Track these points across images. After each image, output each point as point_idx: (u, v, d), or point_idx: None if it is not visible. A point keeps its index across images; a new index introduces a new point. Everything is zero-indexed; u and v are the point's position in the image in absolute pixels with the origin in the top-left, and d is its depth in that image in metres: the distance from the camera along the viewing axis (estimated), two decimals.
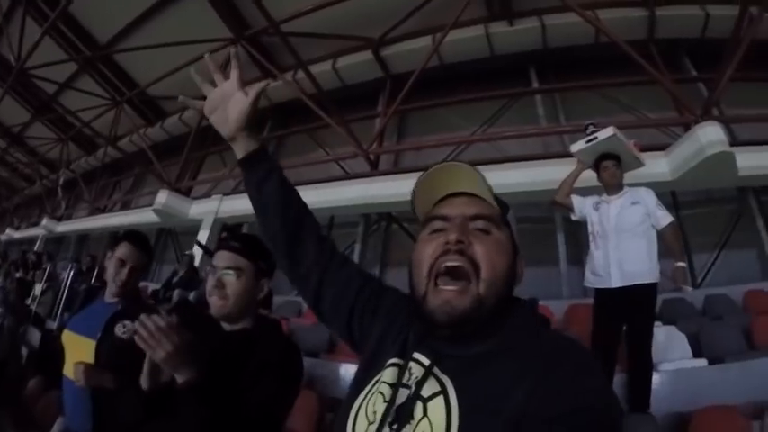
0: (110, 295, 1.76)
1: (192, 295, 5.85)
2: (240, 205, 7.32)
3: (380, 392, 0.67)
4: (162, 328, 0.98)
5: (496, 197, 0.73)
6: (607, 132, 3.02)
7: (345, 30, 7.19)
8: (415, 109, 7.20)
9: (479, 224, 0.69)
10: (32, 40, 8.03)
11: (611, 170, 2.99)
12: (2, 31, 8.92)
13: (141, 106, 10.53)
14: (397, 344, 0.74)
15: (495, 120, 7.01)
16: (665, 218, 2.81)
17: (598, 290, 2.89)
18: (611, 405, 0.57)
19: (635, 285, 2.70)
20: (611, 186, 2.98)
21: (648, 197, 2.87)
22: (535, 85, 6.88)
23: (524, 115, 6.68)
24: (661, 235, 2.83)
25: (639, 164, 3.17)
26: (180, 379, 1.01)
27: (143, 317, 0.99)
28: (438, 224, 0.71)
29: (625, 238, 2.82)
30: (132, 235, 1.82)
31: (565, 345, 0.64)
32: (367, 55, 7.53)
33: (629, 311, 2.74)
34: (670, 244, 2.81)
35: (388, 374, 0.69)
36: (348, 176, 6.86)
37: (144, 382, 1.07)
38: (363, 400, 0.70)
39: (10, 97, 10.56)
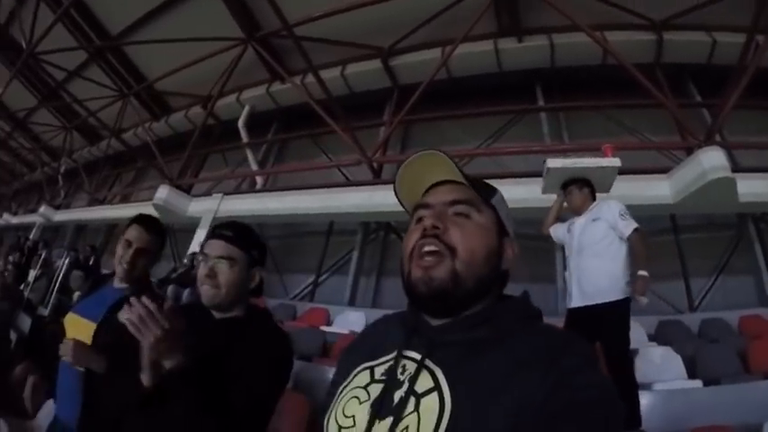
0: (118, 280, 1.72)
1: (186, 292, 5.83)
2: (240, 205, 7.29)
3: (355, 397, 0.67)
4: (151, 311, 0.97)
5: (482, 182, 0.77)
6: (545, 167, 3.18)
7: (356, 37, 7.24)
8: (420, 120, 7.22)
9: (459, 208, 0.73)
10: (44, 24, 8.01)
11: (567, 196, 3.13)
12: (15, 15, 8.94)
13: (148, 100, 10.52)
14: (364, 356, 0.75)
15: (500, 135, 7.04)
16: (629, 226, 2.73)
17: (568, 309, 2.93)
18: (616, 400, 0.58)
19: (596, 305, 2.68)
20: (575, 209, 3.08)
21: (609, 210, 2.83)
22: (541, 102, 6.92)
23: (529, 132, 6.72)
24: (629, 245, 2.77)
25: (612, 171, 3.20)
26: (167, 365, 1.00)
27: (132, 300, 0.97)
28: (422, 212, 0.75)
29: (585, 257, 2.83)
30: (142, 217, 1.76)
31: (566, 338, 0.65)
32: (376, 64, 7.58)
33: (598, 331, 2.66)
34: (636, 252, 2.73)
35: (359, 379, 0.70)
36: (350, 183, 6.85)
37: (145, 378, 1.01)
38: (332, 413, 0.70)
39: (18, 81, 10.50)
